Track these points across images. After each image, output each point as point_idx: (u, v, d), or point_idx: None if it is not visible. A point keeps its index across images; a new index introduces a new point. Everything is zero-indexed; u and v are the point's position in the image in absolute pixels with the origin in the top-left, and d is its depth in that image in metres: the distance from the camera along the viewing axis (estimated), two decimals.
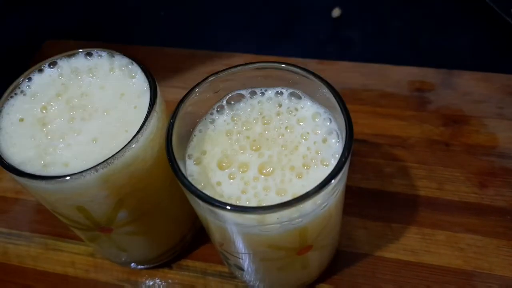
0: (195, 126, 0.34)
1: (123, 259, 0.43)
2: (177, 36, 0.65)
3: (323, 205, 0.29)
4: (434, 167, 0.47)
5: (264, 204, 0.29)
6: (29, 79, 0.36)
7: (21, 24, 0.71)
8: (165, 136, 0.30)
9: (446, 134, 0.49)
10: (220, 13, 0.68)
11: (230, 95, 0.35)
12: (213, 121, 0.34)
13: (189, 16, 0.68)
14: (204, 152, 0.33)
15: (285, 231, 0.29)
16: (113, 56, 0.36)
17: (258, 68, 0.34)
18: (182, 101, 0.32)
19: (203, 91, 0.33)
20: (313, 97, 0.34)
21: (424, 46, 0.60)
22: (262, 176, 0.31)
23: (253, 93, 0.35)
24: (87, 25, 0.69)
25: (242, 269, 0.37)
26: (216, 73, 0.33)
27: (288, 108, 0.34)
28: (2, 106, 0.34)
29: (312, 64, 0.57)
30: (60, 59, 0.37)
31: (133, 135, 0.31)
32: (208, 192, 0.28)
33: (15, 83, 0.35)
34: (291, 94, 0.35)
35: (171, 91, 0.47)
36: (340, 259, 0.42)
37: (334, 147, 0.32)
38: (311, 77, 0.32)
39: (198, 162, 0.32)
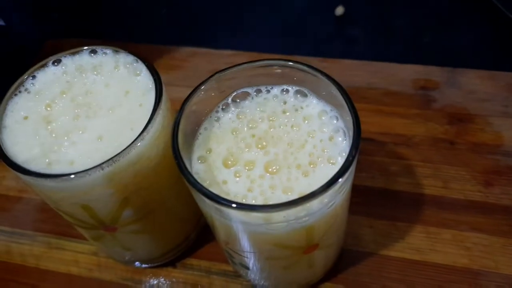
0: (200, 124, 0.34)
1: (127, 258, 0.42)
2: (178, 34, 0.65)
3: (330, 204, 0.29)
4: (439, 166, 0.47)
5: (270, 203, 0.28)
6: (33, 76, 0.35)
7: (21, 24, 0.70)
8: (171, 134, 0.30)
9: (451, 132, 0.49)
10: (222, 11, 0.68)
11: (235, 93, 0.35)
12: (218, 119, 0.34)
13: (191, 14, 0.68)
14: (209, 150, 0.32)
15: (291, 229, 0.29)
16: (118, 54, 0.36)
17: (263, 66, 0.33)
18: (187, 99, 0.32)
19: (208, 89, 0.33)
20: (319, 95, 0.34)
21: (428, 44, 0.59)
22: (268, 174, 0.31)
23: (258, 91, 0.35)
24: (89, 24, 0.69)
25: (247, 268, 0.37)
26: (221, 71, 0.33)
27: (294, 106, 0.34)
28: (6, 104, 0.34)
29: (316, 62, 0.56)
30: (65, 56, 0.36)
31: (139, 133, 0.31)
32: (214, 190, 0.28)
33: (19, 81, 0.35)
34: (297, 92, 0.34)
35: (174, 90, 0.46)
36: (346, 258, 0.42)
37: (341, 146, 0.32)
38: (318, 75, 0.32)
39: (203, 160, 0.32)
